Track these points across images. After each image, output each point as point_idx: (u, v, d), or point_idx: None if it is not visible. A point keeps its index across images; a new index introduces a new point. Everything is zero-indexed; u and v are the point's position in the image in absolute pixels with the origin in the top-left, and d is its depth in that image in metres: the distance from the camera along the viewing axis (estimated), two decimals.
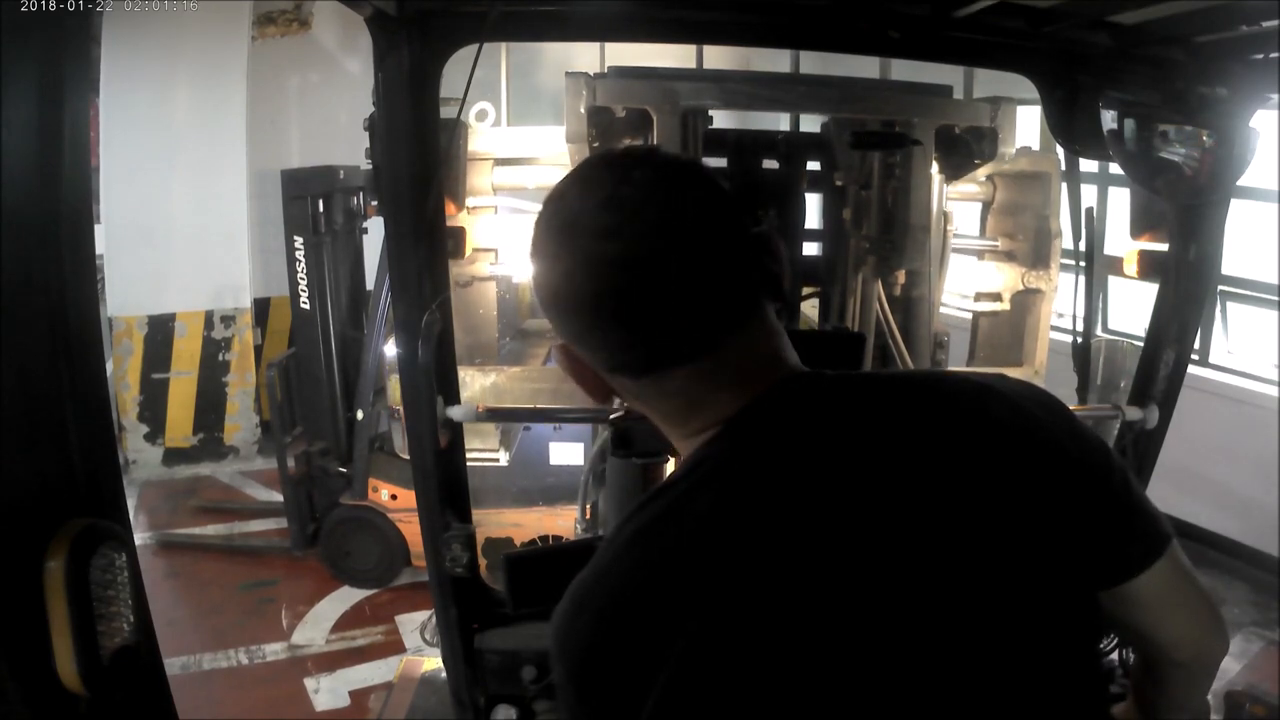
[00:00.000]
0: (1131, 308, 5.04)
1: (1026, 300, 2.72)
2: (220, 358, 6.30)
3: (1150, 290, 2.01)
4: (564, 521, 4.02)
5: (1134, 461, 1.99)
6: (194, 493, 5.82)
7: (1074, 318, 1.99)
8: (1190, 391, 2.11)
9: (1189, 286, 1.92)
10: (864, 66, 2.36)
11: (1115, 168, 1.80)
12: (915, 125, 2.23)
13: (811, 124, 2.56)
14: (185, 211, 6.03)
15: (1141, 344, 2.05)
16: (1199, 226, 1.87)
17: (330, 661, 4.08)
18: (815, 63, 2.24)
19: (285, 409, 4.73)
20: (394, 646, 4.17)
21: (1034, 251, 2.68)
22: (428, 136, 1.64)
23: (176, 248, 6.07)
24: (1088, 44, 1.72)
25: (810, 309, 2.71)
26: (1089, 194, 4.99)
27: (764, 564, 0.79)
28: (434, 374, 1.72)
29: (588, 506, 2.11)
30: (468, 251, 2.33)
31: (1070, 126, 1.80)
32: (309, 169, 4.85)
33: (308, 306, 4.75)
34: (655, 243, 0.81)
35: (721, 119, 2.43)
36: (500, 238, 2.66)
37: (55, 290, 0.72)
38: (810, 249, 2.56)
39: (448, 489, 1.84)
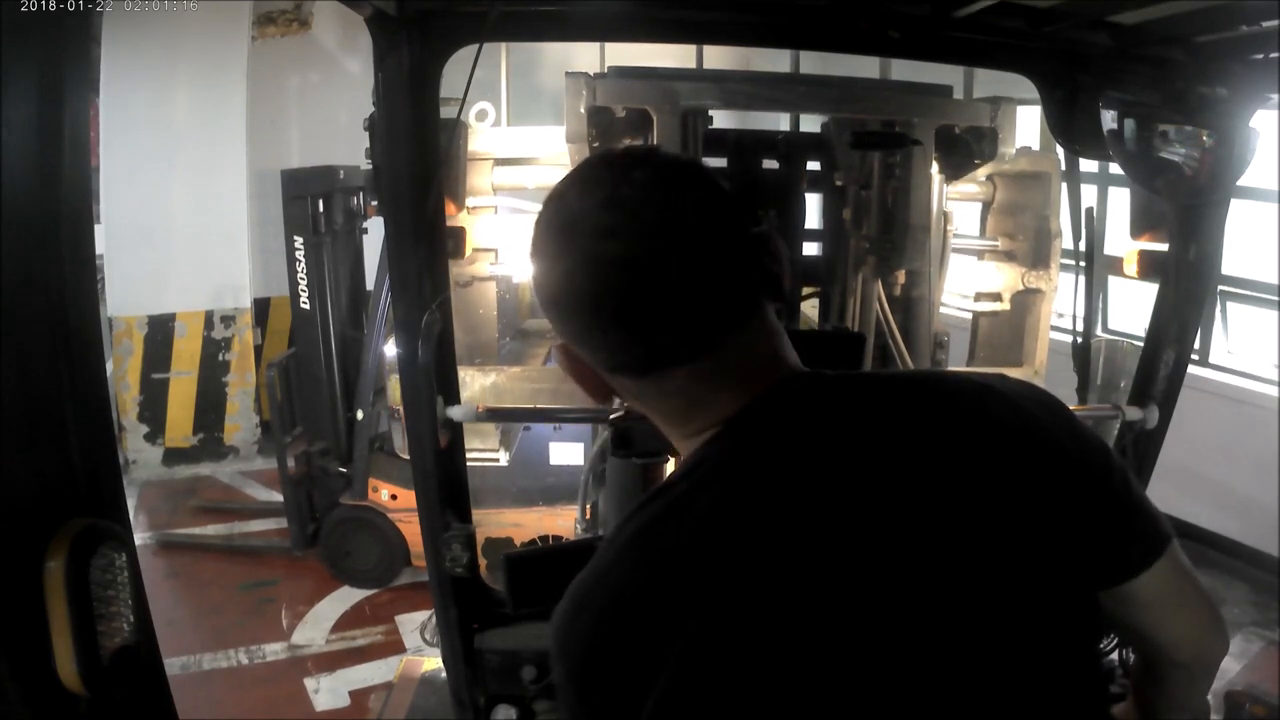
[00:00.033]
0: (1131, 308, 5.04)
1: (1026, 300, 2.71)
2: (220, 358, 6.30)
3: (1150, 290, 2.01)
4: (564, 521, 4.02)
5: (1134, 461, 1.99)
6: (194, 493, 5.82)
7: (1074, 318, 1.99)
8: (1190, 391, 2.11)
9: (1189, 286, 1.92)
10: (864, 66, 2.36)
11: (1115, 168, 1.80)
12: (915, 125, 2.23)
13: (811, 124, 2.56)
14: (185, 211, 6.03)
15: (1141, 344, 2.05)
16: (1199, 226, 1.87)
17: (330, 661, 4.08)
18: (815, 63, 2.24)
19: (285, 409, 4.73)
20: (394, 646, 4.17)
21: (1034, 251, 2.68)
22: (428, 136, 1.64)
23: (176, 248, 6.07)
24: (1088, 44, 1.72)
25: (810, 309, 2.71)
26: (1089, 194, 4.99)
27: (764, 564, 0.79)
28: (434, 374, 1.72)
29: (588, 506, 2.11)
30: (468, 251, 2.33)
31: (1070, 126, 1.80)
32: (309, 169, 4.85)
33: (308, 306, 4.75)
34: (655, 243, 0.80)
35: (721, 119, 2.43)
36: (500, 238, 2.66)
37: (55, 290, 0.71)
38: (810, 249, 2.56)
39: (448, 489, 1.84)
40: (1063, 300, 2.45)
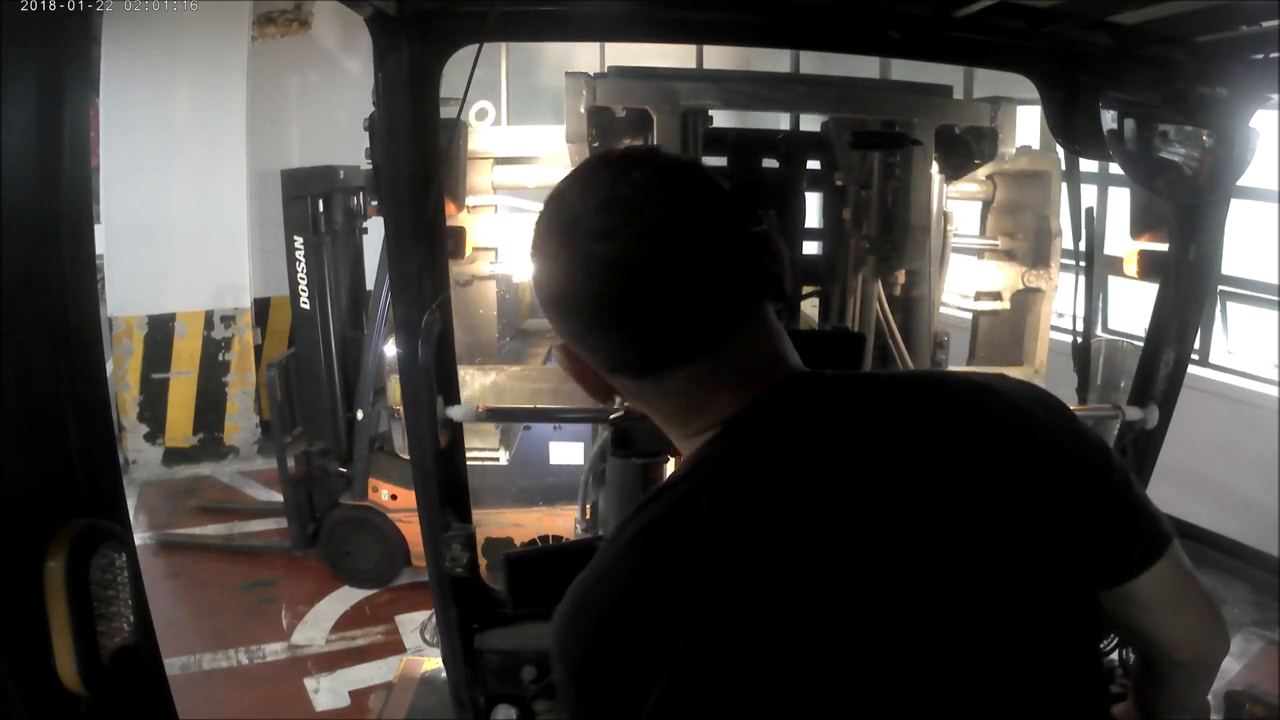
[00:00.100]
0: (1131, 308, 5.04)
1: (1026, 300, 2.71)
2: (220, 358, 6.30)
3: (1150, 290, 2.01)
4: (564, 521, 4.02)
5: (1134, 461, 1.99)
6: (194, 493, 5.82)
7: (1074, 317, 1.99)
8: (1190, 391, 2.11)
9: (1189, 286, 1.92)
10: (864, 66, 2.36)
11: (1115, 168, 1.80)
12: (915, 125, 2.23)
13: (811, 124, 2.56)
14: (185, 211, 6.04)
15: (1141, 344, 2.05)
16: (1199, 226, 1.87)
17: (330, 661, 4.08)
18: (815, 63, 2.24)
19: (285, 409, 4.73)
20: (394, 646, 4.17)
21: (1034, 251, 2.68)
22: (428, 136, 1.64)
23: (176, 248, 6.07)
24: (1088, 44, 1.72)
25: (810, 309, 2.71)
26: (1089, 194, 4.99)
27: (765, 564, 0.79)
28: (434, 374, 1.72)
29: (588, 506, 2.11)
30: (468, 251, 2.33)
31: (1070, 126, 1.80)
32: (309, 169, 4.86)
33: (308, 306, 4.75)
34: (655, 243, 0.80)
35: (721, 119, 2.43)
36: (500, 237, 2.66)
37: (55, 290, 0.71)
38: (810, 249, 2.56)
39: (448, 489, 1.84)
40: (1063, 300, 2.45)
